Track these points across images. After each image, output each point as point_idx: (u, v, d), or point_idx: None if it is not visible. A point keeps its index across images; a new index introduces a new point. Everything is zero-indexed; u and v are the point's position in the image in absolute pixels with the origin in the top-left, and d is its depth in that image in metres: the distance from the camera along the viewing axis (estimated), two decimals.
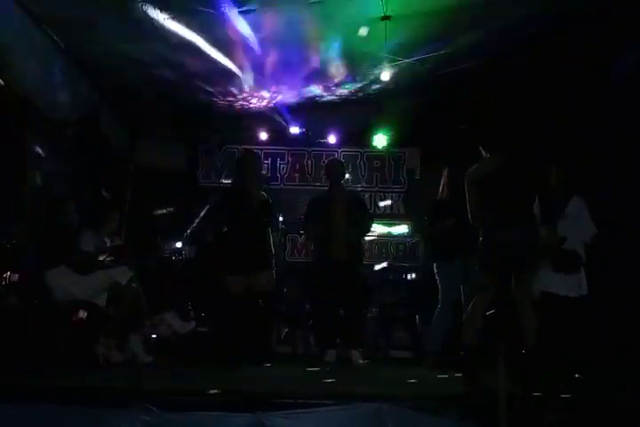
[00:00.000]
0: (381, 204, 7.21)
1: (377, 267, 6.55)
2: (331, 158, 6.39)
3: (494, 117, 5.35)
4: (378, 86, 5.97)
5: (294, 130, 6.91)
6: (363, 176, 7.30)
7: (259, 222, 4.63)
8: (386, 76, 5.26)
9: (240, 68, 5.62)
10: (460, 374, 3.76)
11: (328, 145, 7.32)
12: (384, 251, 7.15)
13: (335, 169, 5.29)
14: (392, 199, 7.36)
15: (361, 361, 4.82)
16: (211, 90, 6.12)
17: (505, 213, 3.76)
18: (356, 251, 5.11)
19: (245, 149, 6.79)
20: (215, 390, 3.15)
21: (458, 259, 4.62)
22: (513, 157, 3.91)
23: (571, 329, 4.05)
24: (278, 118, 6.79)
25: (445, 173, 4.98)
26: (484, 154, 4.02)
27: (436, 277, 4.89)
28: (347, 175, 6.23)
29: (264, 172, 4.99)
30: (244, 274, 4.51)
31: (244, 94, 6.31)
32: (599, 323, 4.52)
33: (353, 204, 5.17)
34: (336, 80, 5.97)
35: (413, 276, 6.26)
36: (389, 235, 7.17)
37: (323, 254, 5.00)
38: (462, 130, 5.25)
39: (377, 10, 4.44)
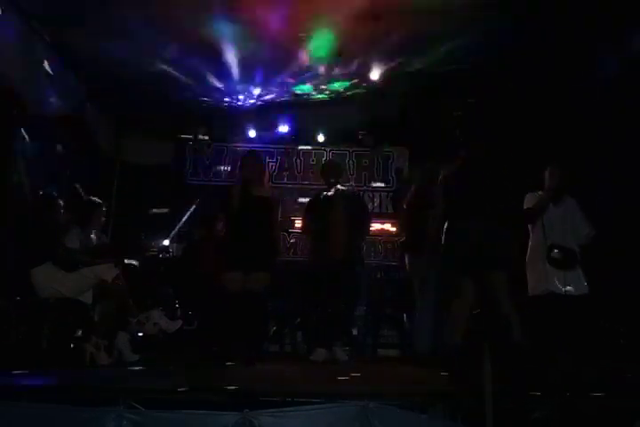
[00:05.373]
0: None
1: None
2: (326, 160, 6.50)
3: (459, 123, 5.39)
4: (367, 85, 6.00)
5: (283, 129, 6.90)
6: (351, 175, 7.30)
7: (259, 221, 4.60)
8: (375, 75, 5.27)
9: (228, 65, 5.60)
10: (446, 373, 3.78)
11: (316, 144, 7.31)
12: (372, 249, 7.16)
13: (327, 170, 5.32)
14: (380, 198, 7.38)
15: (345, 357, 4.82)
16: (199, 87, 6.10)
17: (467, 215, 3.84)
18: (354, 251, 5.06)
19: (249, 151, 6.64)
20: (202, 389, 3.13)
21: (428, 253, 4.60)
22: (476, 159, 3.99)
23: (570, 327, 4.08)
24: (267, 116, 6.78)
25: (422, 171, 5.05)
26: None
27: (409, 273, 4.94)
28: (345, 174, 6.28)
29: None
30: (241, 271, 4.49)
31: (233, 92, 6.30)
32: (599, 321, 4.56)
33: (353, 204, 5.12)
34: (325, 79, 5.98)
35: (401, 274, 6.26)
36: (377, 233, 7.17)
37: (321, 254, 4.95)
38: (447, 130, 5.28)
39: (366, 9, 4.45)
